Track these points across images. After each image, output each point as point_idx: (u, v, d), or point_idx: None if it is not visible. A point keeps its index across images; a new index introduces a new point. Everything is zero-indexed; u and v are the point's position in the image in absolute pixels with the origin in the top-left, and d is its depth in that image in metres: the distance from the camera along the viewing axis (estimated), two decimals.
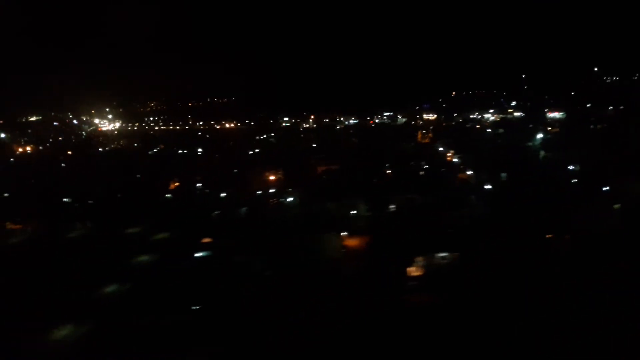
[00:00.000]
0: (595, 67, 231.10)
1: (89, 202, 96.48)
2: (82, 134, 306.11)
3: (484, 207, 66.51)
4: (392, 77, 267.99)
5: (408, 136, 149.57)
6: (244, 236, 65.87)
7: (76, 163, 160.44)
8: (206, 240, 66.60)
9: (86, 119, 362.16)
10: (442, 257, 51.72)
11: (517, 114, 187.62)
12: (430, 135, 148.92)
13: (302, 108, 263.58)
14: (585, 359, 32.73)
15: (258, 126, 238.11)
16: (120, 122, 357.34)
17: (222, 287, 50.74)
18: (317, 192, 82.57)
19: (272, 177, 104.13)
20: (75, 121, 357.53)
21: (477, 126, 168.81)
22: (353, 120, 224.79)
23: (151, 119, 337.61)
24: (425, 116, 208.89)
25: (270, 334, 41.12)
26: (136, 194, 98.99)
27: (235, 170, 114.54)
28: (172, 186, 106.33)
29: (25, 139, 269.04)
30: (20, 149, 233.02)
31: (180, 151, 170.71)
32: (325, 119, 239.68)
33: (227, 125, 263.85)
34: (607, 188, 67.48)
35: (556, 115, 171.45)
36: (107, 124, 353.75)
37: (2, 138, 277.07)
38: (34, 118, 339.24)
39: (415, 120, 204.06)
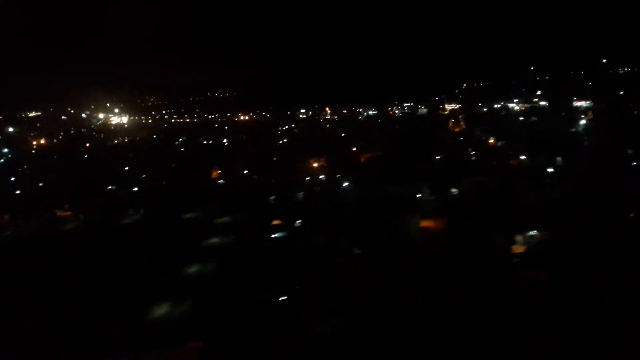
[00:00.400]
0: (604, 59, 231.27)
1: (134, 190, 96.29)
2: (92, 127, 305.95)
3: (554, 189, 66.47)
4: (404, 69, 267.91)
5: (439, 125, 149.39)
6: (315, 218, 65.74)
7: (101, 154, 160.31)
8: (276, 222, 66.58)
9: (90, 113, 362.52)
10: (532, 235, 51.79)
11: (542, 103, 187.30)
12: (462, 123, 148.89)
13: (316, 100, 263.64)
14: None
15: (275, 118, 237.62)
16: (127, 116, 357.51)
17: (311, 266, 50.64)
18: (374, 177, 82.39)
19: (315, 164, 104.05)
20: (83, 115, 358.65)
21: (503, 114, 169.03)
22: (372, 111, 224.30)
23: (162, 112, 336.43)
24: (447, 106, 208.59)
25: (372, 311, 41.13)
26: (181, 182, 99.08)
27: (275, 158, 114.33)
28: (214, 174, 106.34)
29: (34, 133, 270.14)
30: (34, 143, 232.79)
31: (204, 142, 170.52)
32: (343, 110, 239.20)
33: (242, 118, 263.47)
34: None
35: (583, 104, 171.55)
36: (114, 118, 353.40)
37: (11, 132, 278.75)
38: (33, 114, 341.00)
39: (438, 110, 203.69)
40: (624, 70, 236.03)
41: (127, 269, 56.37)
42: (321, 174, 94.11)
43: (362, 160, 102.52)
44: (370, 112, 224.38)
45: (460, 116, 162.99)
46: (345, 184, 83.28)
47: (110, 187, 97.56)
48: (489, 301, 39.76)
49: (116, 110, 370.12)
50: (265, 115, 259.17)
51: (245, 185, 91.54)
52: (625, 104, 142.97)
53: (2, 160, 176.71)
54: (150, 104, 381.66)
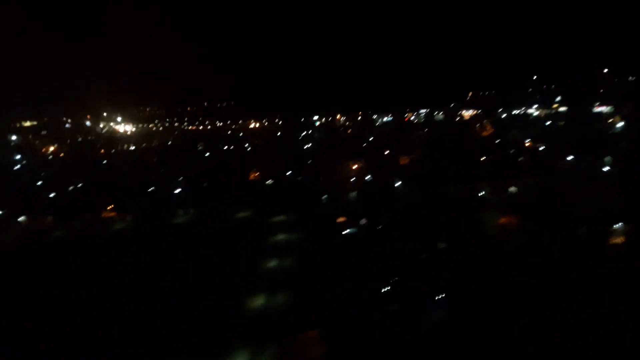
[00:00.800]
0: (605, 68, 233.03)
1: (175, 192, 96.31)
2: (101, 134, 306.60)
3: (616, 186, 67.13)
4: (417, 76, 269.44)
5: (466, 129, 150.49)
6: (379, 216, 65.95)
7: (122, 159, 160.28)
8: (341, 219, 66.77)
9: (93, 121, 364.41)
10: (618, 228, 52.32)
11: (561, 109, 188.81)
12: (488, 127, 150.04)
13: (326, 107, 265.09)
14: None
15: (288, 124, 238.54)
16: (130, 124, 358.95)
17: (399, 260, 50.76)
18: (423, 177, 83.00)
19: (354, 167, 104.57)
20: (88, 123, 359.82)
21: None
22: (387, 117, 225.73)
23: (167, 120, 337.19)
24: (465, 112, 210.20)
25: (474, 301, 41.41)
26: (222, 183, 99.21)
27: (310, 161, 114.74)
28: (251, 177, 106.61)
29: (38, 140, 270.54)
30: (44, 150, 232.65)
31: (224, 147, 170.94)
32: (356, 116, 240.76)
33: (253, 125, 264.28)
34: None
35: (603, 109, 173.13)
36: (118, 126, 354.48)
37: (15, 140, 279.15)
38: (28, 123, 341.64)
39: (455, 116, 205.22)
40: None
41: (202, 265, 56.30)
42: (363, 176, 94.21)
43: (403, 162, 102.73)
44: (385, 119, 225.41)
45: (484, 121, 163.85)
46: (397, 184, 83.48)
47: (150, 189, 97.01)
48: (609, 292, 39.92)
49: (118, 119, 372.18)
50: (277, 122, 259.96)
51: (291, 187, 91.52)
52: None
53: (19, 166, 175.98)
54: (152, 112, 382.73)
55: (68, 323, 44.57)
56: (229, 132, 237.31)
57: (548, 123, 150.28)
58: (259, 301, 46.42)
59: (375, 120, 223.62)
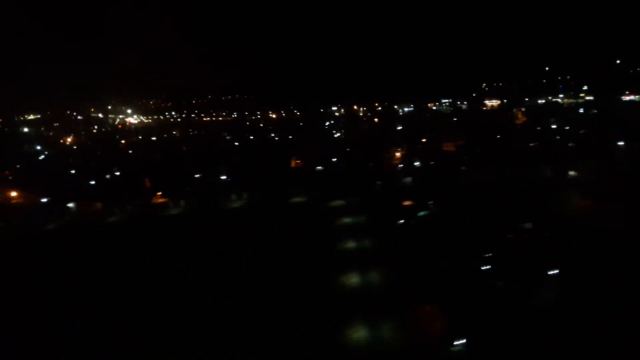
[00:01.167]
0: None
1: (222, 178, 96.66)
2: (117, 126, 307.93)
3: None
4: (437, 68, 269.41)
5: (498, 117, 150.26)
6: (445, 199, 66.13)
7: (148, 148, 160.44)
8: (407, 203, 67.01)
9: (106, 114, 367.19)
10: None
11: (588, 97, 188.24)
12: (520, 115, 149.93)
13: (342, 98, 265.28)
14: None
15: (307, 115, 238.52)
16: (142, 116, 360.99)
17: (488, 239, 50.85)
18: (477, 162, 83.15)
19: (398, 153, 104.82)
20: (100, 115, 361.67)
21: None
22: (408, 107, 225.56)
23: (180, 112, 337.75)
24: (488, 102, 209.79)
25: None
26: (266, 170, 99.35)
27: (348, 149, 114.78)
28: (292, 164, 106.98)
29: (50, 132, 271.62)
30: (62, 141, 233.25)
31: (251, 137, 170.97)
32: (376, 106, 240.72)
33: (271, 115, 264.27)
34: None
35: (633, 97, 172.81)
36: (130, 118, 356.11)
37: (26, 132, 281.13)
38: (32, 116, 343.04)
39: (480, 106, 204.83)
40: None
41: (282, 248, 56.76)
42: (411, 162, 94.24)
43: (447, 148, 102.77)
44: (406, 109, 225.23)
45: (514, 110, 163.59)
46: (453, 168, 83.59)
47: (197, 176, 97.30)
48: None
49: (128, 111, 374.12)
50: (295, 112, 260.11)
51: (339, 173, 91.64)
52: None
53: (42, 157, 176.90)
54: (157, 104, 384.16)
55: (132, 301, 46.15)
56: (248, 123, 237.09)
57: (581, 111, 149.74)
58: (353, 279, 46.58)
59: (396, 110, 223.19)
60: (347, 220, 65.96)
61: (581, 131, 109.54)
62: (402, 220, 61.00)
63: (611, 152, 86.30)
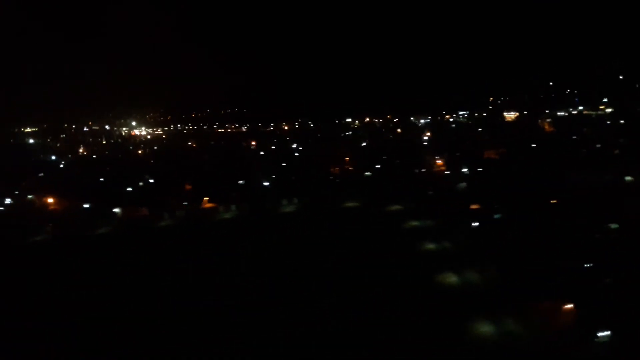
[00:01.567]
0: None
1: (265, 184, 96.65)
2: (130, 137, 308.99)
3: None
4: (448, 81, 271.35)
5: (527, 128, 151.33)
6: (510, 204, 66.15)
7: (170, 157, 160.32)
8: (474, 206, 67.09)
9: (112, 125, 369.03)
10: None
11: (608, 110, 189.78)
12: (546, 126, 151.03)
13: (355, 110, 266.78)
14: None
15: (323, 125, 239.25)
16: (144, 128, 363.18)
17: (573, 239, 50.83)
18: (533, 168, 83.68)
19: (439, 161, 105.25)
20: (107, 126, 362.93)
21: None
22: (424, 119, 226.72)
23: (185, 124, 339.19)
24: (506, 114, 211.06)
25: None
26: (307, 176, 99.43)
27: (384, 157, 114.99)
28: (337, 170, 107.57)
29: (57, 143, 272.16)
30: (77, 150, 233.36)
31: (272, 147, 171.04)
32: (389, 119, 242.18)
33: (284, 127, 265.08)
34: None
35: None
36: (136, 130, 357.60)
37: (32, 143, 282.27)
38: (28, 129, 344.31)
39: (499, 117, 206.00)
40: None
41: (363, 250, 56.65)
42: (456, 168, 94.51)
43: (490, 156, 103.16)
44: (422, 120, 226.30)
45: (539, 120, 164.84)
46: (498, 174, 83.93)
47: (240, 182, 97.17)
48: None
49: (133, 123, 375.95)
50: (309, 123, 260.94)
51: (388, 179, 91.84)
52: None
53: (61, 165, 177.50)
54: (171, 116, 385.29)
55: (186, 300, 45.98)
56: (265, 132, 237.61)
57: (608, 122, 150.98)
58: (451, 279, 46.37)
59: (413, 122, 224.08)
60: (414, 223, 65.81)
61: (621, 140, 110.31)
62: (477, 223, 60.88)
63: None
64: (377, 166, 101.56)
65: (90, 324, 43.68)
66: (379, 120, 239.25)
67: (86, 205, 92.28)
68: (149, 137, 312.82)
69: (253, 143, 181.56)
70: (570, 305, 37.54)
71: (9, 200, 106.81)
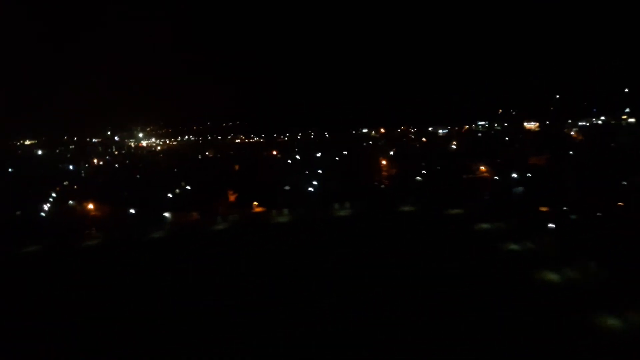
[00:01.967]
0: None
1: (310, 190, 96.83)
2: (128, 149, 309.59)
3: None
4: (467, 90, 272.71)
5: (554, 137, 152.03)
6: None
7: (198, 166, 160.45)
8: (543, 209, 67.20)
9: (121, 137, 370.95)
10: None
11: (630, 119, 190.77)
12: (575, 135, 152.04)
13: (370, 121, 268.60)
14: None
15: (339, 136, 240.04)
16: (151, 139, 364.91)
17: None
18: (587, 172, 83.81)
19: (483, 169, 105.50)
20: (116, 138, 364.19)
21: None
22: (443, 129, 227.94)
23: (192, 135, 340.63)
24: (526, 124, 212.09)
25: None
26: (354, 182, 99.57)
27: (423, 164, 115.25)
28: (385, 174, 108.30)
29: (68, 154, 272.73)
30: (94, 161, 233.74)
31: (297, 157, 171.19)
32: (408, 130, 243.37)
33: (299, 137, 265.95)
34: None
35: None
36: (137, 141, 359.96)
37: (41, 154, 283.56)
38: (28, 142, 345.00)
39: (519, 127, 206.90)
40: None
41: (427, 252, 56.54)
42: (505, 174, 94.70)
43: (537, 162, 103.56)
44: (441, 131, 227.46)
45: (565, 129, 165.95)
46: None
47: (286, 188, 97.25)
48: None
49: (140, 135, 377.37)
50: (325, 134, 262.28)
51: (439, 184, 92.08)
52: None
53: (82, 174, 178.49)
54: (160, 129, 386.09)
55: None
56: (281, 143, 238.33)
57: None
58: (550, 276, 46.19)
59: (432, 132, 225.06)
60: (485, 226, 65.63)
61: None
62: (553, 225, 60.76)
63: None
64: (423, 172, 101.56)
65: (160, 325, 43.57)
66: (398, 130, 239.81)
67: (132, 211, 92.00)
68: (159, 147, 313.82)
69: (274, 152, 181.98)
70: None
71: (49, 206, 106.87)
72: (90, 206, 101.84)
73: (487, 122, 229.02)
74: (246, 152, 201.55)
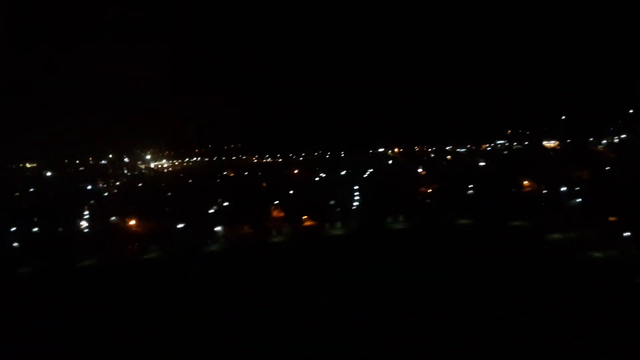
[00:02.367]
0: None
1: (355, 204, 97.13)
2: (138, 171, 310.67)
3: None
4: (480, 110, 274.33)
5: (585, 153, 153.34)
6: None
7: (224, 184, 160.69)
8: (612, 218, 67.36)
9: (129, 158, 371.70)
10: None
11: None
12: (602, 150, 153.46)
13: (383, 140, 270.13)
14: None
15: (356, 155, 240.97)
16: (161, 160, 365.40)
17: None
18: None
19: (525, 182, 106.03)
20: (126, 159, 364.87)
21: None
22: (461, 148, 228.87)
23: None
24: (545, 143, 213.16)
25: None
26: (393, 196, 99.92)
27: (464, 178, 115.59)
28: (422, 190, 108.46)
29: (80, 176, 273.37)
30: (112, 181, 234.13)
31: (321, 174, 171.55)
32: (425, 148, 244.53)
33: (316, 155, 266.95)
34: None
35: None
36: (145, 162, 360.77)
37: (49, 175, 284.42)
38: (28, 165, 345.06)
39: (539, 146, 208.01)
40: None
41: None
42: (552, 187, 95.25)
43: (582, 176, 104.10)
44: (459, 149, 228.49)
45: (597, 147, 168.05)
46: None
47: (331, 202, 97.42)
48: None
49: (147, 157, 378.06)
50: (340, 154, 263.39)
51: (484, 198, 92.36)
52: None
53: (106, 194, 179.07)
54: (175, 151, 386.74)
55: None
56: (299, 162, 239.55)
57: None
58: None
59: (450, 152, 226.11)
60: (556, 236, 65.80)
61: None
62: (629, 233, 60.88)
63: None
64: (470, 186, 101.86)
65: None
66: (415, 149, 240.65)
67: (181, 225, 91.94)
68: (170, 168, 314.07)
69: (296, 171, 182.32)
70: None
71: (88, 223, 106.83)
72: (133, 222, 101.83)
73: (506, 141, 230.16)
74: (269, 170, 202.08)
